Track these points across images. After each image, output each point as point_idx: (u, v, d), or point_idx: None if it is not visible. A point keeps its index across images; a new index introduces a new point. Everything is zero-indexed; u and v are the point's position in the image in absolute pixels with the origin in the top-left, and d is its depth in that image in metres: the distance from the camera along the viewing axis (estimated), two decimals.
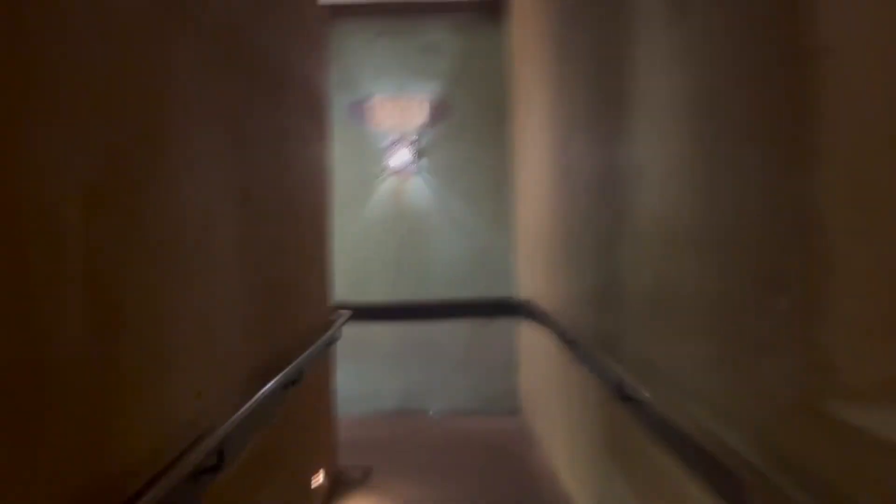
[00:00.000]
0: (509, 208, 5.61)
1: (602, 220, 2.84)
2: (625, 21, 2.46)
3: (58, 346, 1.12)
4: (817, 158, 1.24)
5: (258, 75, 2.45)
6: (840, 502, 1.14)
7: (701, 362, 1.75)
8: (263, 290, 2.45)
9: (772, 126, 1.41)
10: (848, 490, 1.13)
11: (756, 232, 1.48)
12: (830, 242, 1.19)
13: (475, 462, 4.29)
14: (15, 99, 1.01)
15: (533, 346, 4.88)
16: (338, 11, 5.39)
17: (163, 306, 1.54)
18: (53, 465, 1.10)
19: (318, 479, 3.43)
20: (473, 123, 5.68)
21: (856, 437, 1.12)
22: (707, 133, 1.76)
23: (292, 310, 2.95)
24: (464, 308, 5.59)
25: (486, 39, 5.69)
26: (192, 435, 1.66)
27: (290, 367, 2.52)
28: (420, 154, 5.64)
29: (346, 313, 4.11)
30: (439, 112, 5.68)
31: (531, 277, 4.92)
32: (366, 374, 5.55)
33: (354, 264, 5.54)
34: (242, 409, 1.91)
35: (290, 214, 2.95)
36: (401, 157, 5.60)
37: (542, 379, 4.51)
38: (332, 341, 3.76)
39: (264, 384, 2.23)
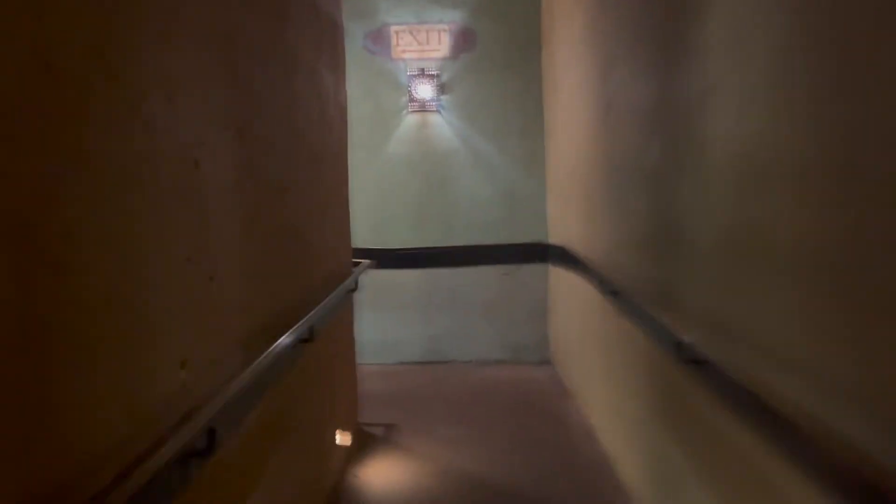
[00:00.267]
0: (540, 146, 5.20)
1: (655, 155, 2.46)
2: None
3: None
4: None
5: None
6: None
7: (803, 324, 1.40)
8: (268, 237, 2.13)
9: None
10: None
11: (883, 164, 1.11)
12: None
13: (506, 417, 4.03)
14: None
15: (566, 294, 4.55)
16: None
17: (129, 258, 1.23)
18: None
19: (339, 438, 3.18)
20: (500, 54, 5.22)
21: None
22: (810, 38, 1.37)
23: (304, 259, 2.64)
24: (491, 254, 5.25)
25: None
26: (175, 415, 1.37)
27: (298, 324, 2.22)
28: (442, 89, 5.23)
29: (366, 262, 3.80)
30: (462, 42, 5.23)
31: (564, 221, 4.56)
32: (388, 324, 5.29)
33: (375, 207, 5.21)
34: (238, 380, 1.62)
35: (301, 153, 2.61)
36: (422, 92, 5.19)
37: (576, 330, 4.19)
38: (350, 291, 3.47)
39: (269, 346, 1.94)
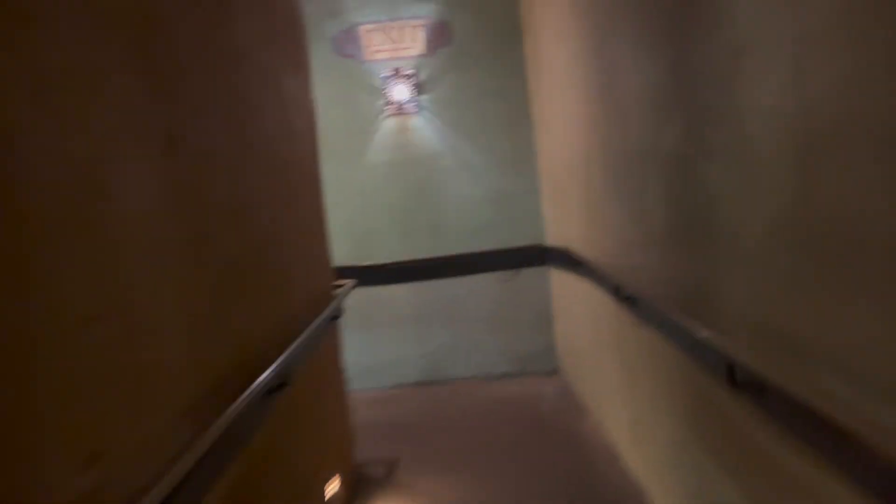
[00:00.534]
0: (530, 142, 4.84)
1: (672, 136, 2.11)
2: None
3: None
4: None
5: None
6: None
7: None
8: (222, 271, 1.76)
9: None
10: None
11: None
12: None
13: (519, 441, 3.65)
14: None
15: (571, 299, 4.19)
16: None
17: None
18: None
19: (332, 486, 2.81)
20: (479, 46, 4.86)
21: None
22: None
23: (273, 289, 2.27)
24: (486, 260, 4.88)
25: None
26: None
27: (268, 371, 1.85)
28: (420, 89, 4.87)
29: (350, 283, 3.43)
30: (438, 37, 4.87)
31: (563, 220, 4.20)
32: (380, 344, 4.91)
33: (356, 221, 4.84)
34: (181, 463, 1.24)
35: (258, 167, 2.24)
36: (399, 93, 4.83)
37: (587, 338, 3.83)
38: (334, 317, 3.10)
39: (229, 405, 1.56)
